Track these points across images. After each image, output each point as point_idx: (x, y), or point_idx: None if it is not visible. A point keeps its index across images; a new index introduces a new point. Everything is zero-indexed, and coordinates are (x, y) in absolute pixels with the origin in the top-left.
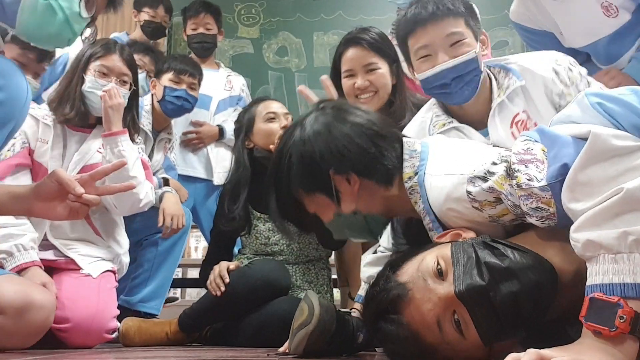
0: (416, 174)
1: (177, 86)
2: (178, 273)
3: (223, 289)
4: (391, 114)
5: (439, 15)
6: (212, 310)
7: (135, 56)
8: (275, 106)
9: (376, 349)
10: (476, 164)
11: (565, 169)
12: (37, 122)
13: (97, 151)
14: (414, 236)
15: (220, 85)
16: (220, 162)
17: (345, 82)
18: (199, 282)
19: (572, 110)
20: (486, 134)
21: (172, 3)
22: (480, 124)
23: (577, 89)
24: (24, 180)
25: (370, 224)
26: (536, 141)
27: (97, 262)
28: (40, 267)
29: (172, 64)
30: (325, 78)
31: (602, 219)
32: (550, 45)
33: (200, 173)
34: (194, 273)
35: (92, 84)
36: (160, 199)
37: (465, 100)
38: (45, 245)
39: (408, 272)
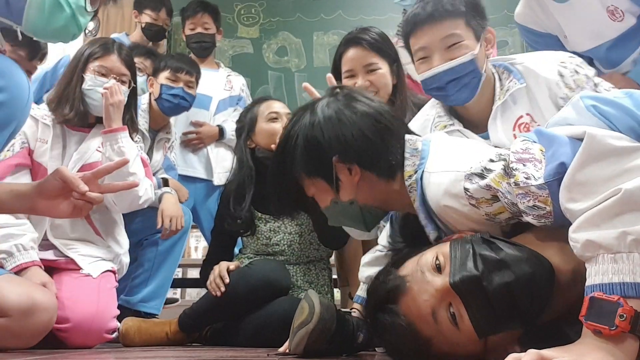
0: (416, 172)
1: (174, 84)
2: (178, 273)
3: (223, 289)
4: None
5: (436, 17)
6: (212, 311)
7: (137, 59)
8: (278, 106)
9: (376, 349)
10: (474, 161)
11: (562, 167)
12: (37, 122)
13: (97, 150)
14: (410, 235)
15: (220, 85)
16: (220, 162)
17: (346, 83)
18: (199, 282)
19: (567, 112)
20: (487, 137)
21: (171, 3)
22: (482, 125)
23: None
24: (23, 180)
25: (365, 216)
26: (534, 141)
27: (97, 262)
28: (40, 266)
29: (169, 62)
30: (331, 76)
31: (601, 219)
32: (554, 48)
33: (201, 173)
34: (194, 273)
35: (92, 82)
36: (159, 199)
37: (464, 102)
38: (45, 245)
39: (408, 267)
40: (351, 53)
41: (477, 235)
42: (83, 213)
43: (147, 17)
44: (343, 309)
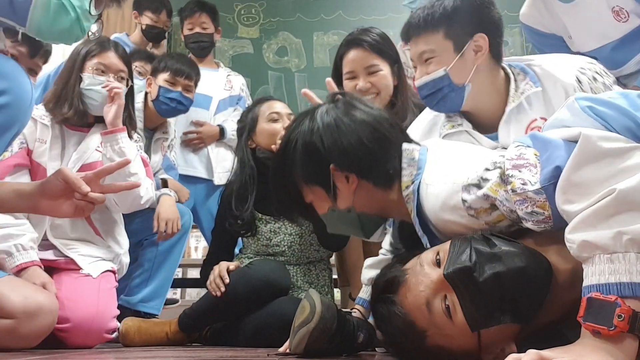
0: (413, 182)
1: (172, 87)
2: (178, 273)
3: (223, 289)
4: (392, 115)
5: (411, 34)
6: (212, 311)
7: (138, 63)
8: (279, 106)
9: (376, 349)
10: (470, 171)
11: (557, 171)
12: (35, 122)
13: (96, 150)
14: (410, 240)
15: (220, 85)
16: (220, 162)
17: (347, 84)
18: (199, 282)
19: (563, 114)
20: (496, 138)
21: (171, 4)
22: (494, 126)
23: None
24: (22, 180)
25: (362, 223)
26: (528, 146)
27: (97, 262)
28: (40, 266)
29: (168, 64)
30: (331, 81)
31: (597, 219)
32: (559, 49)
33: (201, 173)
34: (194, 273)
35: (91, 81)
36: (157, 201)
37: (451, 111)
38: (45, 245)
39: (411, 262)
40: (352, 54)
41: (478, 233)
42: (85, 213)
43: (147, 18)
44: (343, 309)
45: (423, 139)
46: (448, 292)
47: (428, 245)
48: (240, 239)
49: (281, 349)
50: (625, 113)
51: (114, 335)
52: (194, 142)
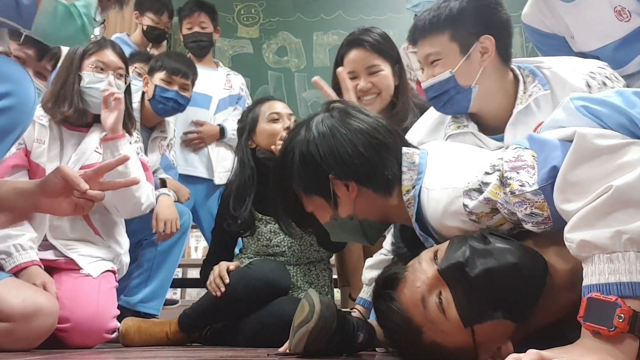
0: (414, 187)
1: (169, 87)
2: (178, 273)
3: (223, 289)
4: (394, 115)
5: (419, 36)
6: (212, 311)
7: (137, 64)
8: (279, 106)
9: (376, 349)
10: (471, 175)
11: (554, 171)
12: (33, 122)
13: (95, 151)
14: (409, 239)
15: (220, 85)
16: (220, 162)
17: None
18: (199, 282)
19: (559, 115)
20: (502, 140)
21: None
22: (500, 128)
23: None
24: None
25: (365, 229)
26: (526, 148)
27: (97, 262)
28: (40, 266)
29: (165, 63)
30: (318, 79)
31: (594, 218)
32: (561, 49)
33: (201, 172)
34: (194, 273)
35: (91, 79)
36: (155, 201)
37: (457, 113)
38: (45, 245)
39: (412, 261)
40: (353, 54)
41: (477, 232)
42: (84, 211)
43: (148, 19)
44: (343, 309)
45: (429, 137)
46: (443, 289)
47: (429, 243)
48: (240, 239)
49: (281, 349)
50: (619, 110)
51: (114, 335)
52: (195, 141)
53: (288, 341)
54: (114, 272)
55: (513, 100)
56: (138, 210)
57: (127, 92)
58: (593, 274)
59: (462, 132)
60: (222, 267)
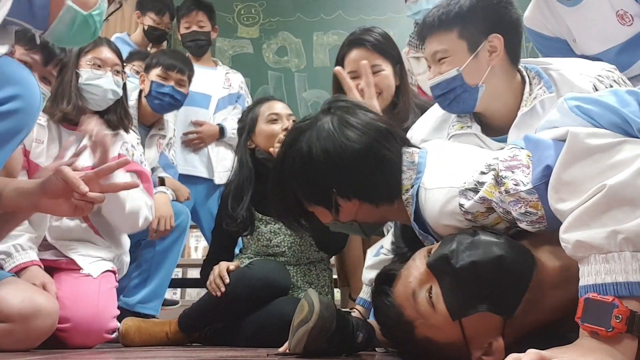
0: (412, 186)
1: (165, 82)
2: (178, 273)
3: (223, 289)
4: (395, 115)
5: (428, 33)
6: (212, 311)
7: (135, 63)
8: (279, 107)
9: (376, 349)
10: (467, 175)
11: (548, 170)
12: None
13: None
14: (409, 239)
15: (219, 84)
16: (221, 162)
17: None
18: (199, 282)
19: (553, 115)
20: (505, 142)
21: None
22: (505, 129)
23: None
24: None
25: (363, 228)
26: (522, 148)
27: (98, 262)
28: (40, 266)
29: (160, 59)
30: (340, 69)
31: (589, 217)
32: (563, 53)
33: (202, 172)
34: (194, 273)
35: (89, 75)
36: None
37: (463, 112)
38: (45, 245)
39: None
40: (354, 54)
41: (469, 229)
42: (84, 212)
43: (149, 20)
44: (343, 309)
45: (432, 135)
46: (433, 284)
47: (429, 240)
48: (240, 239)
49: (281, 349)
50: (612, 110)
51: (114, 335)
52: (194, 142)
53: (288, 341)
54: (114, 272)
55: (519, 102)
56: (136, 228)
57: (124, 89)
58: (589, 275)
59: (465, 132)
60: (222, 267)
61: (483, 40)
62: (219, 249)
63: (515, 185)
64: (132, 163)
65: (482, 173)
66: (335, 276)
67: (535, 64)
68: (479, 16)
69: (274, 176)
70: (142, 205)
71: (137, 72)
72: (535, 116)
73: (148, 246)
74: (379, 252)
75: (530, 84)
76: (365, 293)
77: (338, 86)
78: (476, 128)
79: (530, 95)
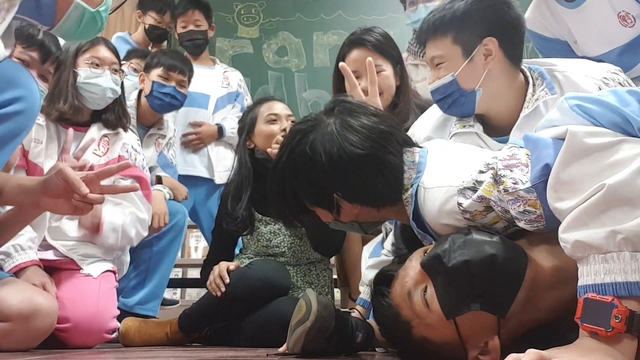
0: (412, 185)
1: (166, 82)
2: (178, 273)
3: (223, 289)
4: (395, 115)
5: (424, 38)
6: (212, 311)
7: (134, 61)
8: (279, 107)
9: (376, 349)
10: (466, 174)
11: (547, 169)
12: None
13: (93, 152)
14: (409, 239)
15: (217, 83)
16: (220, 161)
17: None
18: (199, 282)
19: (553, 115)
20: (507, 142)
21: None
22: (508, 128)
23: None
24: None
25: (363, 227)
26: (521, 147)
27: (97, 262)
28: (40, 266)
29: (161, 59)
30: (345, 65)
31: (588, 217)
32: (564, 54)
33: (202, 172)
34: (194, 273)
35: (88, 74)
36: None
37: (463, 115)
38: (45, 245)
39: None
40: (355, 54)
41: (465, 228)
42: (84, 212)
43: (151, 19)
44: (343, 309)
45: (434, 134)
46: (428, 283)
47: (428, 240)
48: (240, 239)
49: (281, 349)
50: (612, 109)
51: (114, 335)
52: (194, 142)
53: (286, 341)
54: (114, 272)
55: (522, 103)
56: (130, 244)
57: (122, 87)
58: (588, 274)
59: (467, 131)
60: (222, 267)
61: (477, 45)
62: (219, 249)
63: (514, 183)
64: (132, 167)
65: (481, 172)
66: (335, 276)
67: (539, 65)
68: (472, 20)
69: (274, 175)
70: (126, 221)
71: (135, 70)
72: (537, 117)
73: (145, 247)
74: (380, 252)
75: (534, 85)
76: (365, 293)
77: (338, 86)
78: (478, 127)
79: (532, 96)
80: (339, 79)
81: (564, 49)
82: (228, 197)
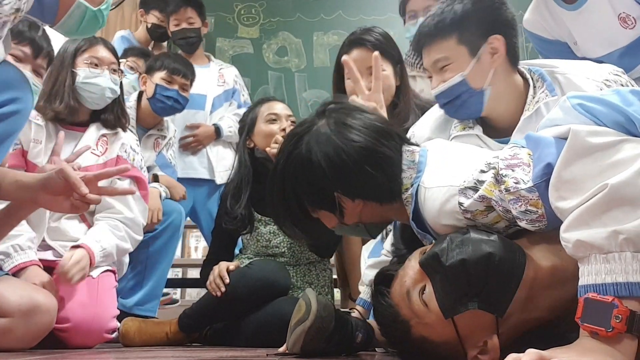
0: (412, 185)
1: (169, 86)
2: (178, 273)
3: (223, 289)
4: (395, 115)
5: (423, 43)
6: (212, 311)
7: (130, 59)
8: (279, 107)
9: (376, 349)
10: (467, 174)
11: (549, 168)
12: (29, 122)
13: (91, 152)
14: (409, 240)
15: (213, 82)
16: (220, 161)
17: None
18: (199, 282)
19: (555, 114)
20: (507, 143)
21: None
22: (508, 130)
23: None
24: None
25: (369, 229)
26: (522, 147)
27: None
28: (39, 266)
29: (165, 62)
30: (348, 59)
31: (590, 217)
32: (564, 55)
33: (202, 174)
34: (194, 273)
35: (87, 74)
36: None
37: (471, 117)
38: (44, 245)
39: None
40: (355, 54)
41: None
42: (80, 211)
43: (153, 17)
44: (343, 309)
45: (435, 135)
46: (427, 282)
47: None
48: (240, 239)
49: (280, 349)
50: (615, 108)
51: (114, 335)
52: (192, 145)
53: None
54: (114, 272)
55: (522, 104)
56: (125, 253)
57: (120, 87)
58: (589, 274)
59: (468, 133)
60: (222, 267)
61: (483, 43)
62: (219, 249)
63: (516, 183)
64: (131, 168)
65: (482, 172)
66: (335, 276)
67: (539, 66)
68: (475, 19)
69: (274, 183)
70: (118, 238)
71: (132, 68)
72: (538, 120)
73: (141, 247)
74: (380, 252)
75: (534, 86)
76: (365, 293)
77: (338, 86)
78: (478, 129)
79: (533, 98)
80: (339, 79)
81: (564, 50)
82: (227, 196)
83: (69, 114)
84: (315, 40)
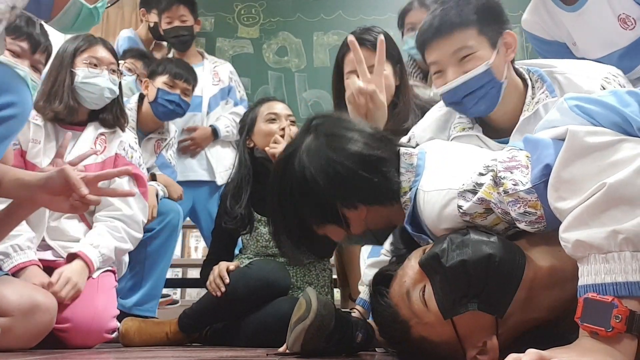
0: (411, 189)
1: (171, 90)
2: (178, 273)
3: (223, 289)
4: (395, 116)
5: (443, 32)
6: (212, 311)
7: (128, 60)
8: (279, 107)
9: (376, 349)
10: (465, 176)
11: (547, 169)
12: (28, 123)
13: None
14: (408, 240)
15: (208, 81)
16: (220, 161)
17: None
18: (199, 282)
19: (552, 115)
20: (507, 142)
21: None
22: (507, 130)
23: None
24: None
25: (376, 235)
26: (520, 149)
27: None
28: (39, 266)
29: (168, 67)
30: (353, 39)
31: (589, 217)
32: (562, 56)
33: (203, 176)
34: (194, 273)
35: (86, 74)
36: None
37: (484, 113)
38: (44, 245)
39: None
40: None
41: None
42: (79, 211)
43: (155, 16)
44: (343, 309)
45: (435, 135)
46: (427, 282)
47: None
48: (240, 239)
49: (281, 349)
50: (612, 109)
51: (114, 335)
52: (190, 147)
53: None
54: (113, 272)
55: (521, 104)
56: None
57: (119, 87)
58: (589, 274)
59: (467, 134)
60: (222, 267)
61: (499, 36)
62: (219, 249)
63: (514, 185)
64: (130, 165)
65: (481, 174)
66: (334, 276)
67: (538, 67)
68: (491, 12)
69: (274, 209)
70: (116, 239)
71: (129, 70)
72: (537, 121)
73: (139, 247)
74: (379, 252)
75: (533, 87)
76: (364, 293)
77: (338, 86)
78: (477, 129)
79: (532, 99)
80: (338, 79)
81: (563, 51)
82: (227, 196)
83: (68, 114)
84: (315, 40)
